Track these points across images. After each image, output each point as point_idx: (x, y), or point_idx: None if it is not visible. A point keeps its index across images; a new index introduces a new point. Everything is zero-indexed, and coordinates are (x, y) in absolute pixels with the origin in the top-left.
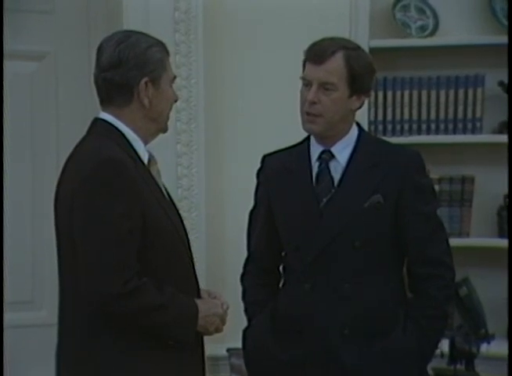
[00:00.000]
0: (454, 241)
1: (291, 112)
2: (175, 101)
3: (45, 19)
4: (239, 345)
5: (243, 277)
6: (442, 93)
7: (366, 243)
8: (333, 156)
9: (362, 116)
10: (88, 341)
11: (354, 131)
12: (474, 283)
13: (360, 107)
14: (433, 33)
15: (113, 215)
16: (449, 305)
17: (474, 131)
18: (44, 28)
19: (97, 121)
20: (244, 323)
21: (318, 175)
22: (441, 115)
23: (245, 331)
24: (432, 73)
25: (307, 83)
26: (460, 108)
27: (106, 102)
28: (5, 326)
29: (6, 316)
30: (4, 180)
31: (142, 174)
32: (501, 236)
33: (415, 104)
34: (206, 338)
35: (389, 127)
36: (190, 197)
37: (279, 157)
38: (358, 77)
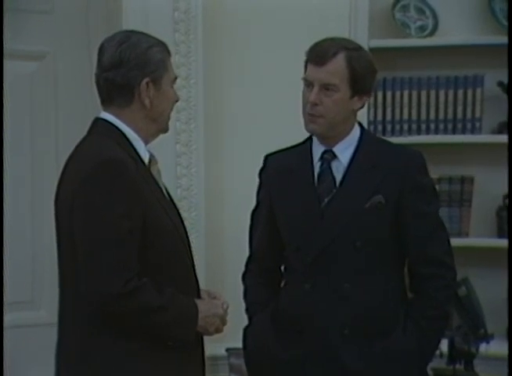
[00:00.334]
0: (453, 241)
1: (291, 112)
2: (176, 101)
3: (44, 20)
4: (239, 344)
5: (244, 276)
6: (442, 93)
7: (367, 243)
8: (335, 156)
9: (362, 116)
10: (87, 341)
11: (356, 132)
12: (474, 283)
13: (362, 107)
14: (432, 33)
15: (113, 215)
16: (449, 305)
17: (473, 131)
18: (43, 28)
19: (98, 121)
20: (244, 322)
21: (320, 175)
22: (441, 115)
23: (245, 330)
24: (431, 73)
25: (308, 84)
26: (460, 108)
27: (107, 102)
28: (4, 326)
29: (6, 316)
30: (4, 180)
31: (143, 174)
32: (500, 236)
33: (414, 104)
34: (205, 338)
35: (388, 127)
36: (189, 197)
37: (281, 156)
38: (359, 77)
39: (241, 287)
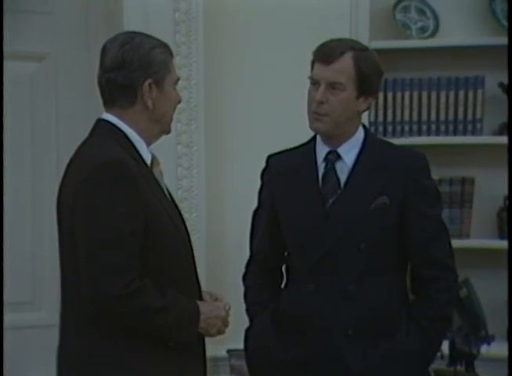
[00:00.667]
0: (454, 243)
1: (292, 112)
2: (179, 102)
3: (44, 20)
4: (240, 346)
5: (245, 277)
6: (442, 94)
7: (371, 244)
8: (339, 157)
9: (363, 117)
10: (89, 342)
11: (360, 133)
12: (474, 284)
13: (366, 109)
14: (433, 34)
15: (114, 216)
16: (451, 307)
17: (474, 132)
18: (43, 29)
19: (100, 122)
20: (245, 324)
21: (324, 175)
22: (442, 116)
23: (247, 332)
24: (432, 74)
25: (315, 83)
26: (460, 109)
27: (109, 103)
28: (4, 327)
29: (6, 317)
30: (4, 180)
31: (145, 175)
32: (501, 237)
33: (415, 105)
34: (206, 339)
35: (389, 128)
36: (190, 198)
37: (285, 157)
38: (366, 77)
39: (242, 288)
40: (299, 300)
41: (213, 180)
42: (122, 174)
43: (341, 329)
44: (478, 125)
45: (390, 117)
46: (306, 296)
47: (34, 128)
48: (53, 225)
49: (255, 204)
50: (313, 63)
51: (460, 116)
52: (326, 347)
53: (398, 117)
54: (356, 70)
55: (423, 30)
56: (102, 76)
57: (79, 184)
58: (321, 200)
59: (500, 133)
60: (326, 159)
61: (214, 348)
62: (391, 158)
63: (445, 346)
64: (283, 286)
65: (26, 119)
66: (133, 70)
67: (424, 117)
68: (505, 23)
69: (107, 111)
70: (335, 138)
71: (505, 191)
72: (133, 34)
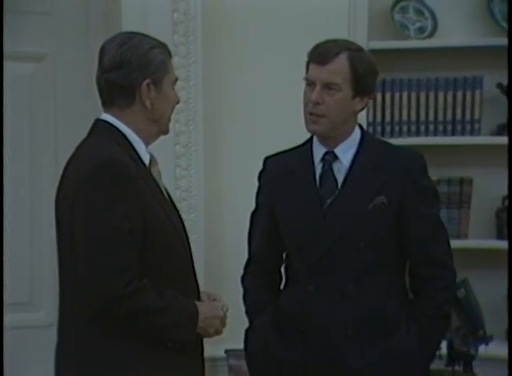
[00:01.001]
0: (452, 243)
1: (290, 113)
2: (177, 103)
3: (43, 21)
4: (238, 346)
5: (243, 279)
6: (441, 95)
7: (369, 244)
8: (336, 157)
9: (361, 117)
10: (87, 343)
11: (357, 133)
12: (473, 284)
13: (363, 109)
14: (431, 35)
15: (113, 216)
16: (449, 305)
17: (472, 132)
18: (42, 29)
19: (98, 122)
20: (243, 324)
21: (321, 176)
22: (440, 117)
23: (247, 332)
24: (430, 74)
25: (310, 83)
26: (459, 110)
27: (107, 103)
28: (4, 327)
29: (5, 317)
30: (3, 180)
31: (143, 175)
32: (499, 238)
33: (413, 106)
34: (204, 340)
35: (387, 128)
36: (189, 199)
37: (282, 158)
38: (361, 78)
39: (240, 289)
40: (298, 300)
41: (211, 180)
42: (120, 174)
43: (340, 328)
44: (476, 126)
45: (388, 118)
46: (305, 296)
47: (33, 128)
48: (52, 226)
49: (253, 205)
50: (308, 63)
51: (458, 116)
52: (326, 346)
53: (397, 118)
54: (351, 71)
55: (421, 30)
56: (100, 76)
57: (77, 184)
58: (319, 201)
59: (498, 134)
60: (323, 160)
61: (213, 348)
62: (389, 158)
63: (443, 346)
64: (282, 286)
65: (25, 119)
66: (131, 71)
67: (422, 117)
68: (503, 23)
69: (106, 111)
70: (332, 139)
71: (503, 191)
72: (131, 35)
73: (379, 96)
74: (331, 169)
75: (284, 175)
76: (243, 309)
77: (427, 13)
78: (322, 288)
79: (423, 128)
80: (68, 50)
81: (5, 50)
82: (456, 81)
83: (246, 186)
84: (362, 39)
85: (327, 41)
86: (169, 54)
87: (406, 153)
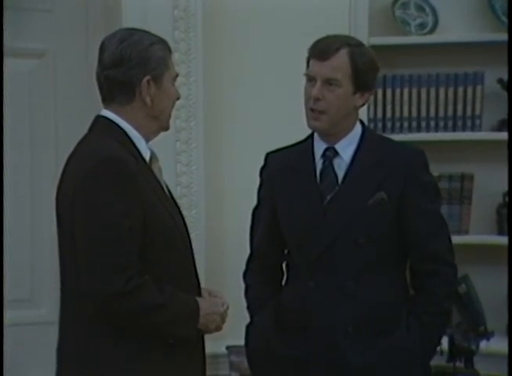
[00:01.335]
0: (453, 239)
1: (291, 109)
2: (177, 99)
3: (44, 18)
4: (239, 342)
5: (245, 275)
6: (442, 91)
7: (370, 240)
8: (337, 153)
9: (362, 113)
10: (88, 341)
11: (357, 129)
12: (474, 280)
13: (363, 105)
14: (432, 30)
15: (113, 212)
16: (451, 301)
17: (473, 128)
18: (43, 26)
19: (99, 119)
20: (244, 320)
21: (322, 172)
22: (441, 113)
23: (248, 328)
24: (431, 70)
25: (311, 79)
26: (459, 106)
27: (108, 99)
28: (4, 324)
29: (6, 314)
30: (3, 178)
31: (144, 172)
32: (500, 233)
33: (414, 102)
34: (205, 336)
35: (389, 124)
36: (189, 195)
37: (283, 154)
38: (362, 73)
39: (241, 285)
40: (299, 297)
41: (212, 177)
42: (121, 171)
43: (341, 326)
44: (477, 121)
45: (389, 114)
46: (305, 293)
47: (33, 125)
48: (52, 223)
49: (255, 201)
50: (308, 59)
51: (459, 112)
52: (326, 344)
53: (398, 114)
54: (352, 66)
55: (422, 26)
56: (100, 73)
57: (78, 181)
58: (319, 197)
59: (499, 129)
60: (323, 156)
61: (214, 344)
62: (390, 154)
63: (445, 342)
64: (283, 283)
65: (25, 116)
66: (131, 67)
67: (423, 113)
68: (504, 19)
69: (106, 108)
70: (333, 135)
71: (504, 187)
72: (132, 31)
73: (380, 92)
74: (331, 165)
75: (285, 170)
76: (244, 305)
77: (427, 9)
78: (323, 286)
79: (424, 124)
80: (69, 47)
81: (5, 47)
82: (457, 76)
83: (247, 182)
84: (362, 35)
85: (327, 37)
86: (169, 50)
87: (407, 149)
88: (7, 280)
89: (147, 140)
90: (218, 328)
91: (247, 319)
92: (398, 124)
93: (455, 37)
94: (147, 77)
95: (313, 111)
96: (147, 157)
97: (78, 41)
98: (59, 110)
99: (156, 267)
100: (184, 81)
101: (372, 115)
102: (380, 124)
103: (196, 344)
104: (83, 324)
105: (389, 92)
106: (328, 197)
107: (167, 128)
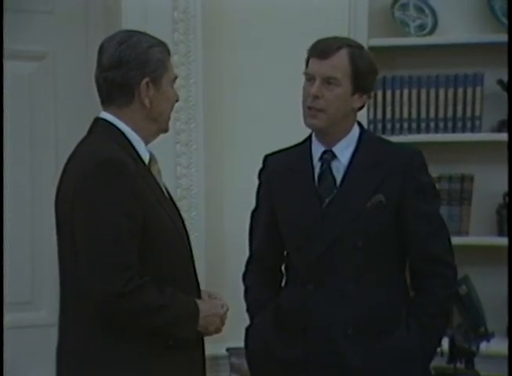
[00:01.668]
0: (453, 240)
1: (291, 111)
2: (176, 101)
3: (44, 20)
4: (239, 344)
5: (245, 276)
6: (441, 92)
7: (368, 242)
8: (334, 156)
9: (362, 115)
10: (88, 342)
11: (355, 131)
12: (474, 281)
13: (361, 108)
14: (432, 32)
15: (112, 214)
16: (450, 303)
17: (473, 129)
18: (43, 28)
19: (98, 121)
20: (244, 322)
21: (320, 175)
22: (441, 114)
23: (247, 330)
24: (431, 71)
25: (310, 78)
26: (459, 107)
27: (107, 102)
28: (4, 326)
29: (6, 317)
30: (3, 180)
31: (143, 173)
32: (500, 234)
33: (414, 103)
34: (205, 338)
35: (388, 126)
36: (189, 197)
37: (281, 157)
38: (361, 74)
39: (241, 287)
40: (298, 299)
41: (212, 179)
42: (120, 172)
43: (341, 327)
44: (477, 123)
45: (389, 115)
46: (305, 295)
47: (33, 127)
48: (52, 225)
49: (254, 203)
50: (308, 59)
51: (459, 113)
52: (326, 345)
53: (397, 115)
54: (352, 66)
55: (421, 27)
56: (99, 75)
57: (77, 183)
58: (317, 200)
59: (499, 130)
60: (321, 158)
61: (214, 346)
62: (388, 156)
63: (445, 343)
64: (283, 284)
65: (25, 118)
66: (130, 69)
67: (423, 114)
68: (503, 20)
69: (105, 110)
70: (330, 135)
71: (504, 188)
72: (131, 33)
73: (379, 94)
74: (330, 168)
75: (284, 173)
76: (244, 307)
77: (427, 10)
78: (322, 288)
79: (423, 125)
80: (69, 49)
81: (5, 49)
82: (457, 77)
83: (246, 184)
84: (362, 36)
85: (328, 38)
86: (168, 52)
87: (405, 150)
88: (7, 283)
89: (146, 142)
90: (218, 330)
91: (248, 321)
92: (397, 126)
93: (454, 39)
94: (146, 80)
95: (311, 109)
96: (146, 159)
97: (78, 43)
98: (59, 112)
99: (156, 269)
100: (183, 83)
101: (372, 116)
102: (379, 126)
103: (195, 345)
104: (83, 324)
105: (389, 93)
106: (326, 200)
107: (166, 130)
